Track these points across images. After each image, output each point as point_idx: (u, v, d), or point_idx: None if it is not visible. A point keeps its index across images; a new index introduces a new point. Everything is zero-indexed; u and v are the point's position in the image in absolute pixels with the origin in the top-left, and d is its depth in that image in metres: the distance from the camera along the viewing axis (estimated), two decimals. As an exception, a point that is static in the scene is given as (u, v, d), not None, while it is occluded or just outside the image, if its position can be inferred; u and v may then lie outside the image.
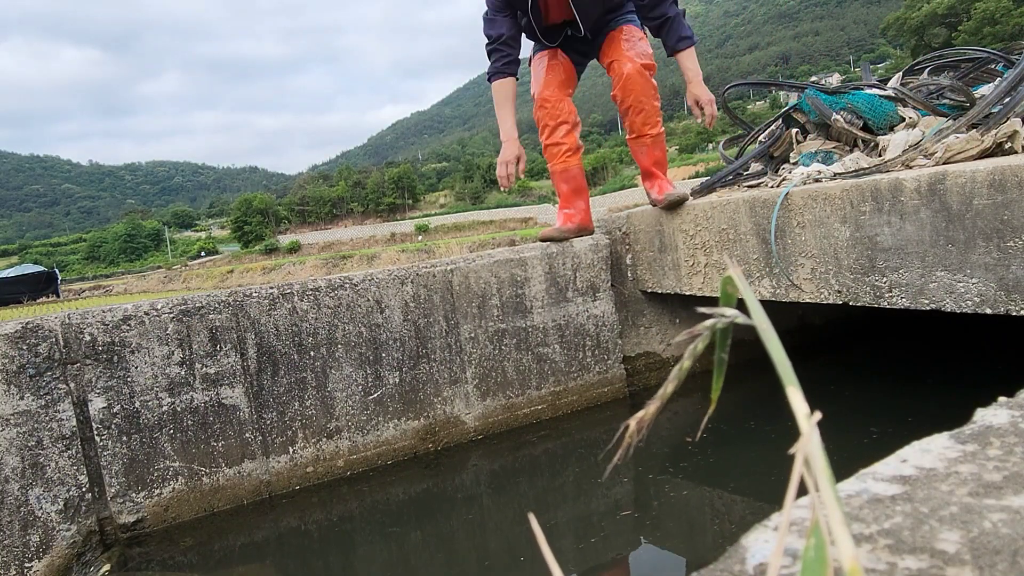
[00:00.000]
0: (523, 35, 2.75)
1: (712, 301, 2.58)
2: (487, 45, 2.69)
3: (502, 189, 2.84)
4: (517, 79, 2.77)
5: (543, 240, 2.75)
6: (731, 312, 0.39)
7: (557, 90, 2.73)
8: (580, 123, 2.81)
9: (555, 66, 2.77)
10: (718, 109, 2.59)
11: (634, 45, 2.67)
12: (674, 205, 2.63)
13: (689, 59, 2.58)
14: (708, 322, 0.41)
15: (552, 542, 1.72)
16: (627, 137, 2.87)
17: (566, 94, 2.76)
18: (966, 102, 2.42)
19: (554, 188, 2.86)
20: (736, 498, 1.86)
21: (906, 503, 0.50)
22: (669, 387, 0.43)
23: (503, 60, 2.67)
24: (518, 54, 2.73)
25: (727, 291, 0.42)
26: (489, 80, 2.75)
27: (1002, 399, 0.69)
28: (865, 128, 2.57)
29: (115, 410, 1.94)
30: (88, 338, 1.91)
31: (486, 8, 2.67)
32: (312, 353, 2.22)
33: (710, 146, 63.12)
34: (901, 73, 3.06)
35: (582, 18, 2.63)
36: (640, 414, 0.42)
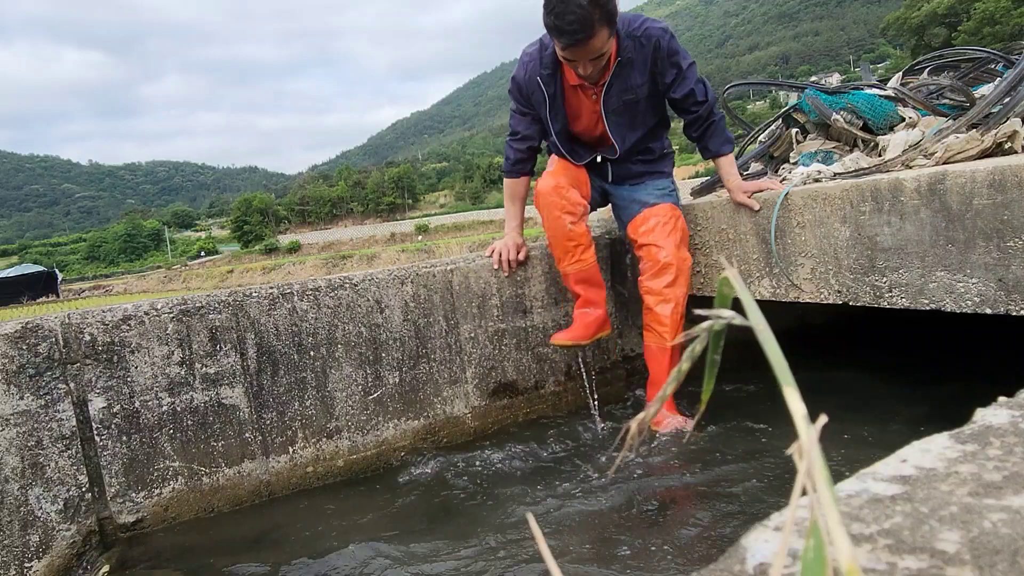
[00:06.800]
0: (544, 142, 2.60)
1: (712, 301, 2.57)
2: (507, 137, 2.58)
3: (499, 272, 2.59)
4: (532, 177, 2.63)
5: (557, 345, 2.51)
6: (728, 313, 0.39)
7: (564, 179, 2.46)
8: (588, 211, 2.52)
9: (568, 166, 2.52)
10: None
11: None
12: None
13: (731, 163, 2.47)
14: (705, 324, 0.41)
15: (552, 542, 1.72)
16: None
17: (572, 185, 2.47)
18: (966, 102, 2.42)
19: (569, 291, 2.58)
20: (736, 498, 1.86)
21: (906, 503, 0.50)
22: (668, 389, 0.43)
23: (517, 160, 2.55)
24: (535, 155, 2.59)
25: (723, 292, 0.42)
26: (502, 173, 2.64)
27: (1002, 399, 0.69)
28: (865, 128, 2.57)
29: (115, 410, 1.94)
30: (88, 338, 1.91)
31: (512, 102, 2.54)
32: (312, 353, 2.22)
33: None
34: (901, 73, 3.06)
35: (615, 136, 2.42)
36: (640, 416, 0.42)
